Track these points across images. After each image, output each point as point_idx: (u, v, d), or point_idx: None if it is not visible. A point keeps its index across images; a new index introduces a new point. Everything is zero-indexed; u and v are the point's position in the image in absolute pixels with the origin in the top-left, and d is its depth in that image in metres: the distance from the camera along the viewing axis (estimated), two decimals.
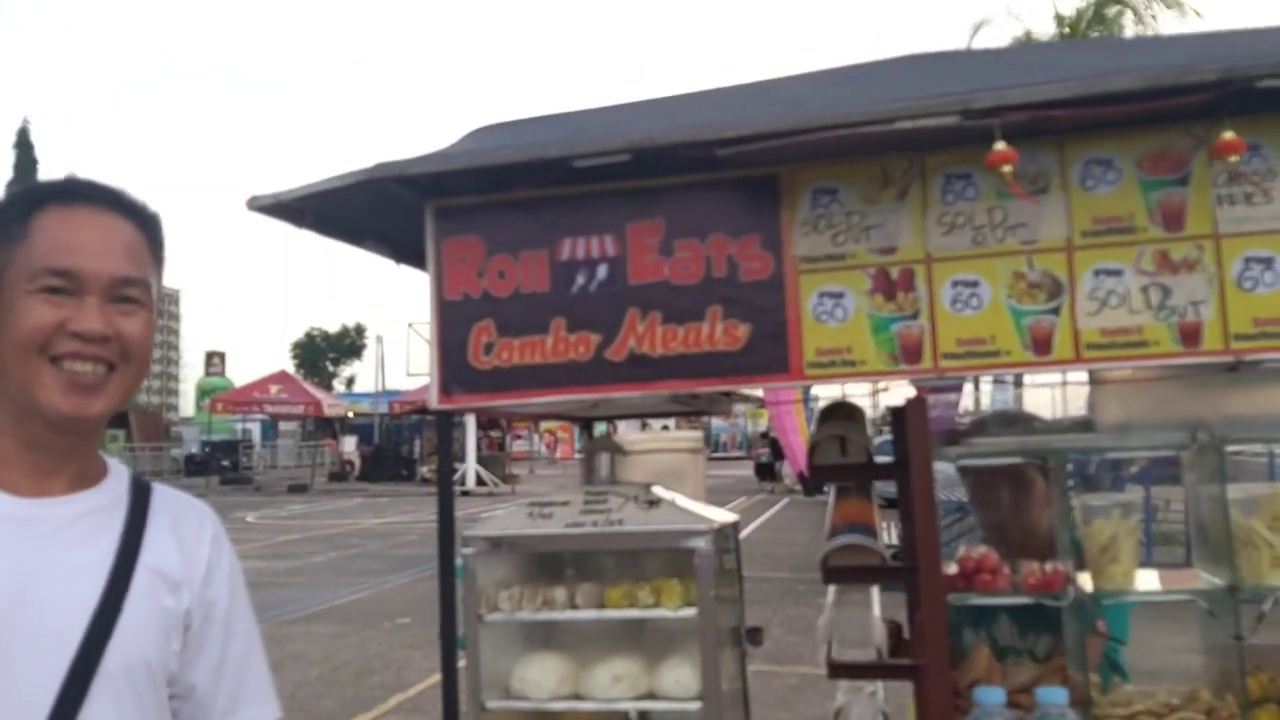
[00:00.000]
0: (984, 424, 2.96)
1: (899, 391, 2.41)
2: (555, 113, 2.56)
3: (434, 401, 2.30)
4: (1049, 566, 2.16)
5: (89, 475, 1.67)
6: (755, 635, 2.56)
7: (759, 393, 3.00)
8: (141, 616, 1.63)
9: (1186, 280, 2.01)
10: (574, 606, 2.25)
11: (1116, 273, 2.04)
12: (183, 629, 1.72)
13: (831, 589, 2.50)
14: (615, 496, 2.35)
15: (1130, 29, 20.11)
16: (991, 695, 1.96)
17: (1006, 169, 1.89)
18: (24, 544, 1.57)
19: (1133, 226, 2.05)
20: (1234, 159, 1.88)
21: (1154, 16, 19.70)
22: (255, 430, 51.52)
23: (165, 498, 1.77)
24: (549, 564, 2.36)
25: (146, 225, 1.68)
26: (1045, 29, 21.13)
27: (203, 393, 58.23)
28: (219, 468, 40.69)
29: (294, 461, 46.63)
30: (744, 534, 16.24)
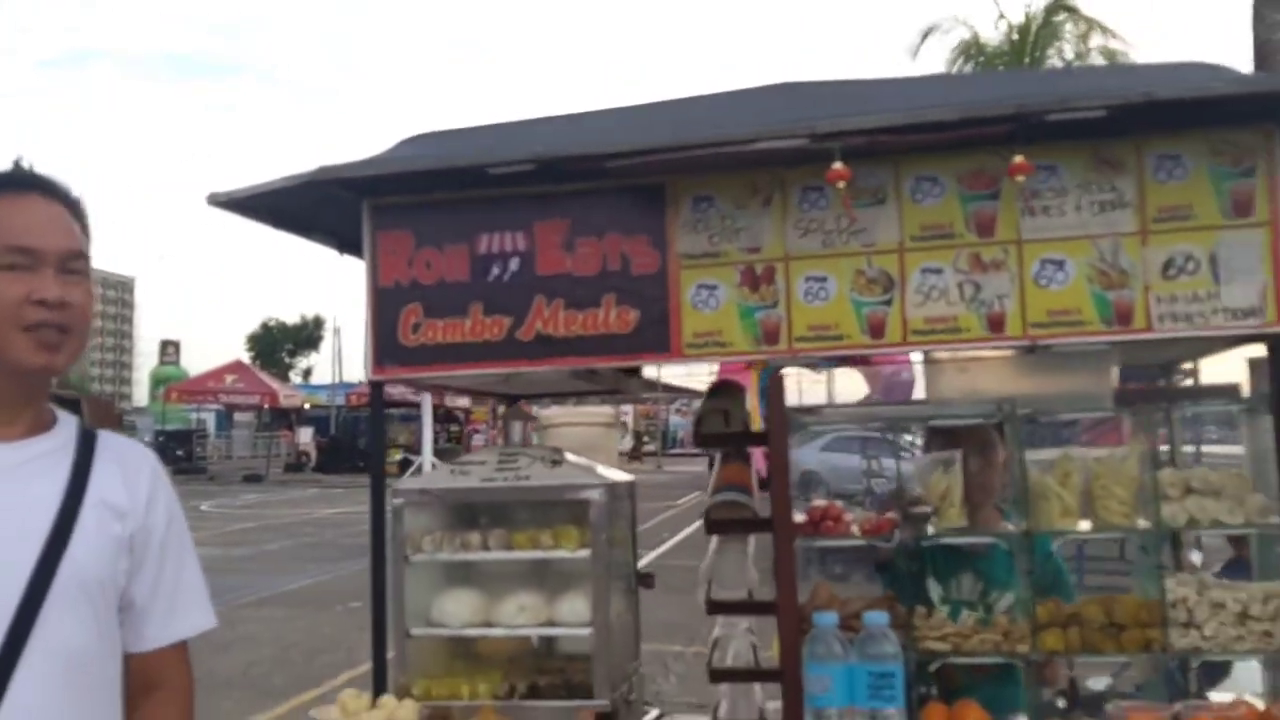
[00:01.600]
0: None
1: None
2: (483, 124, 2.94)
3: (368, 373, 2.69)
4: (887, 515, 2.58)
5: (41, 423, 1.90)
6: (647, 579, 2.96)
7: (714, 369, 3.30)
8: (91, 541, 1.85)
9: (994, 278, 2.43)
10: (486, 548, 2.64)
11: (938, 271, 2.46)
12: (129, 551, 1.93)
13: (714, 539, 2.90)
14: (525, 457, 2.74)
15: (1070, 32, 20.83)
16: (826, 619, 2.37)
17: (841, 185, 2.30)
18: None
19: (952, 233, 2.46)
20: (1021, 178, 2.30)
21: (1083, 38, 20.48)
22: (210, 420, 50.99)
23: (109, 441, 1.99)
24: (466, 513, 2.74)
25: (76, 208, 1.94)
26: (993, 34, 21.77)
27: (157, 382, 57.56)
28: (173, 457, 40.45)
29: (249, 452, 46.33)
30: (693, 528, 16.40)
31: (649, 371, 3.32)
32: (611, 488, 2.67)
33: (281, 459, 45.20)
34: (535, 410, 3.55)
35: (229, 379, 42.50)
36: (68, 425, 1.94)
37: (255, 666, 10.47)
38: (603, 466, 2.95)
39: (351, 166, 2.55)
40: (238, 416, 48.17)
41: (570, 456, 2.86)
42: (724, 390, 3.02)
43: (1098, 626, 2.43)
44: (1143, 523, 2.45)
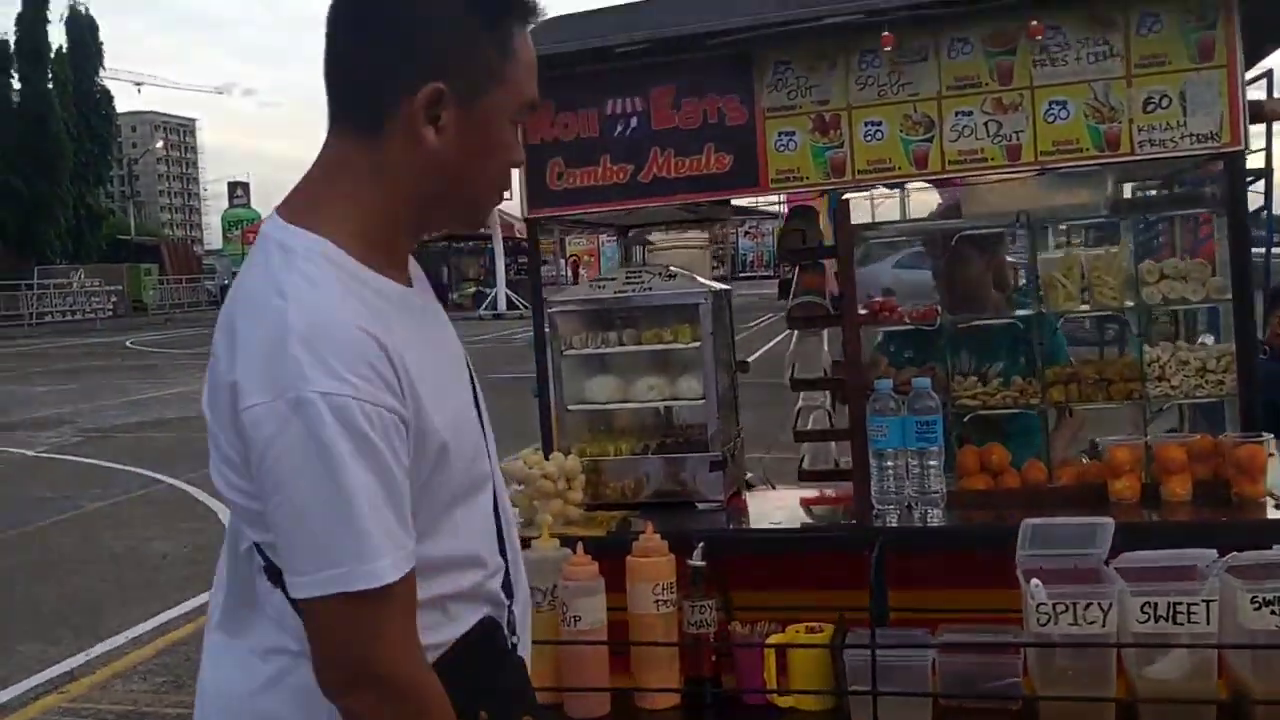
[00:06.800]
0: None
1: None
2: (603, 8, 3.58)
3: (524, 214, 3.46)
4: (926, 304, 3.36)
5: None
6: (743, 365, 3.77)
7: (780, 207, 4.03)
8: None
9: (1012, 117, 3.11)
10: (622, 344, 3.46)
11: (969, 113, 3.13)
12: None
13: (795, 333, 3.69)
14: (646, 273, 3.52)
15: None
16: (884, 385, 3.15)
17: (888, 49, 2.98)
18: (429, 325, 1.66)
19: (979, 82, 3.12)
20: (1039, 37, 2.96)
21: None
22: None
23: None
24: (605, 318, 3.54)
25: None
26: None
27: (230, 224, 58.83)
28: None
29: None
30: (766, 348, 17.18)
31: (735, 200, 4.04)
32: (714, 294, 3.45)
33: None
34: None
35: None
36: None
37: None
38: (702, 278, 3.72)
39: None
40: None
41: (678, 270, 3.63)
42: (800, 213, 3.77)
43: (1092, 382, 3.20)
44: (1129, 303, 3.19)
